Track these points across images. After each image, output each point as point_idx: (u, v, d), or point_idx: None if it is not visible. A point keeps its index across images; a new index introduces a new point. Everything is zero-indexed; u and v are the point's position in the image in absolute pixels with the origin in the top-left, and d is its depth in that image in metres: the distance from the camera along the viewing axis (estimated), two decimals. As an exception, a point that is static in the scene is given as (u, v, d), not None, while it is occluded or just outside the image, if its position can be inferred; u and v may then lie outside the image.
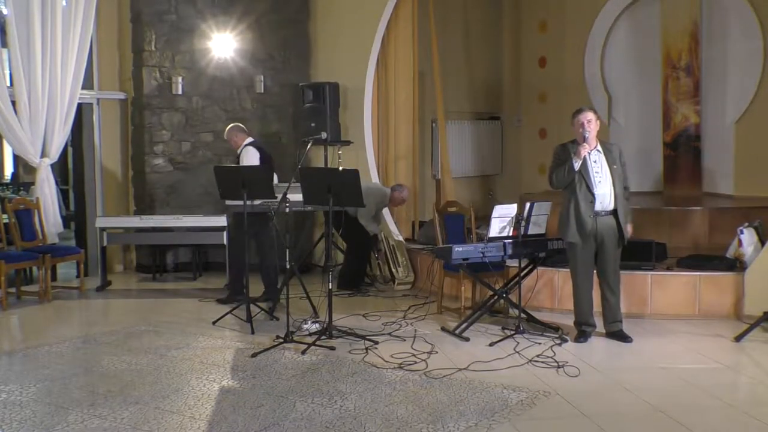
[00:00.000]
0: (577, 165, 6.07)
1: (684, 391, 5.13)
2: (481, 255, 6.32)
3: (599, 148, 6.19)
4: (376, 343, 6.19)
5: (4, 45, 8.45)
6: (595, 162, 6.13)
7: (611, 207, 6.14)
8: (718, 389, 5.14)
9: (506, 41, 12.10)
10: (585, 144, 6.05)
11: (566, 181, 6.14)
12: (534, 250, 6.51)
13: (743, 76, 9.87)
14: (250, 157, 7.56)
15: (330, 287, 6.35)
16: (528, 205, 6.39)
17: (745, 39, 9.83)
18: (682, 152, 10.26)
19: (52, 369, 5.61)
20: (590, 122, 6.08)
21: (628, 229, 6.25)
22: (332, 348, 6.03)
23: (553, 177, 6.22)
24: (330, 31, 9.53)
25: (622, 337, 6.26)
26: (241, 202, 6.74)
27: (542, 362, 5.68)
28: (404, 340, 6.30)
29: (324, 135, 7.64)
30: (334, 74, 9.20)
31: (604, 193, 6.12)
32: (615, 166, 6.16)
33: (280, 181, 7.72)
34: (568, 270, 6.42)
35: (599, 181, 6.11)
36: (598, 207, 6.10)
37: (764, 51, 9.63)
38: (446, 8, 10.58)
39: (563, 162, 6.16)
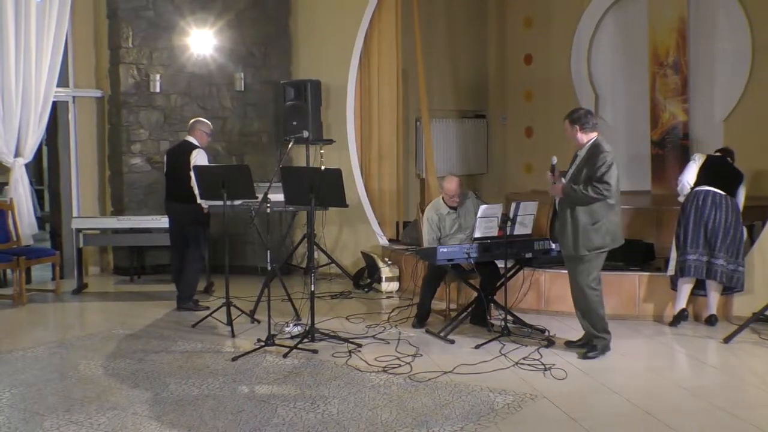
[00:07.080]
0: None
1: (672, 393, 5.11)
2: (467, 256, 6.25)
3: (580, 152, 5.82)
4: (360, 346, 6.13)
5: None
6: None
7: None
8: (706, 391, 5.12)
9: (491, 38, 12.02)
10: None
11: None
12: (520, 250, 6.44)
13: (731, 73, 9.79)
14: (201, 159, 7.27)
15: (312, 289, 6.25)
16: (514, 205, 6.32)
17: (733, 36, 9.76)
18: (670, 151, 10.18)
19: (26, 374, 5.54)
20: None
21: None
22: (315, 351, 5.98)
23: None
24: (311, 28, 9.43)
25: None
26: (220, 202, 6.65)
27: (529, 365, 5.63)
28: (388, 343, 6.24)
29: (306, 134, 7.63)
30: (316, 71, 9.10)
31: None
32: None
33: (261, 180, 7.61)
34: (555, 271, 6.28)
35: None
36: None
37: (752, 48, 9.56)
38: (430, 4, 10.50)
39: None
